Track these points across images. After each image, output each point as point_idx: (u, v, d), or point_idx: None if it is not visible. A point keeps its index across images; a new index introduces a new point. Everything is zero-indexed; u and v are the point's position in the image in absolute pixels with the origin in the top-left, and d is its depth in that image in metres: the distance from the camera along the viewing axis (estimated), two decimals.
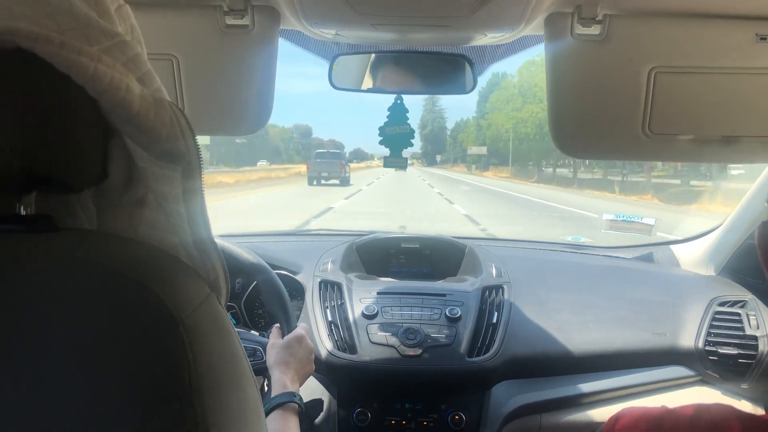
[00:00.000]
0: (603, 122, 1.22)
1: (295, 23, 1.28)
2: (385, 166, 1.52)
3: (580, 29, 1.17)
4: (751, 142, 1.20)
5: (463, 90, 1.49)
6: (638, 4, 1.15)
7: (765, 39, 1.15)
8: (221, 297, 0.60)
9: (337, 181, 27.98)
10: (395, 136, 1.47)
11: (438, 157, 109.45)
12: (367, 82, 1.50)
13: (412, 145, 1.50)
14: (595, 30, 1.17)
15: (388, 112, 1.48)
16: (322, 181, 28.08)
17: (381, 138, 1.47)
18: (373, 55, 1.48)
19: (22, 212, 0.58)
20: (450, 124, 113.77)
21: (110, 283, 0.47)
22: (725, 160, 1.28)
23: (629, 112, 1.20)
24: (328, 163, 28.59)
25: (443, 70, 1.48)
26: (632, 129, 1.21)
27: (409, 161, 1.56)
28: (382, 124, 1.47)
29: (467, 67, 1.44)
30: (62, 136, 0.55)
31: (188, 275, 0.56)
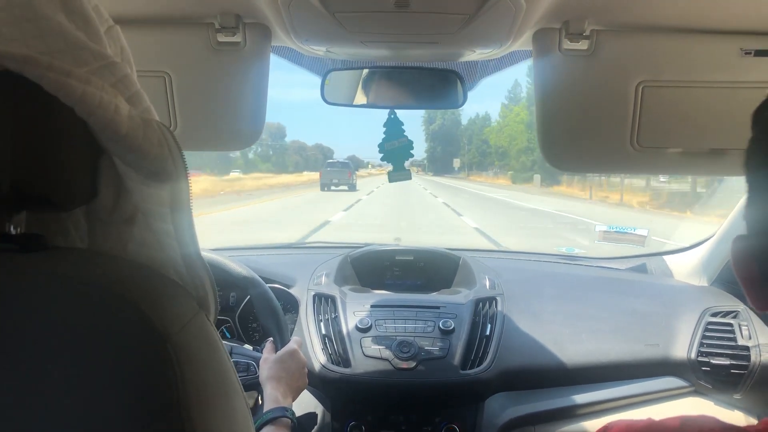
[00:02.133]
0: (592, 136, 1.24)
1: (286, 40, 1.30)
2: (390, 180, 1.54)
3: (568, 44, 1.19)
4: (737, 154, 1.21)
5: (455, 104, 1.51)
6: (625, 20, 1.17)
7: (749, 53, 1.16)
8: (210, 314, 0.61)
9: (345, 187, 31.68)
10: (395, 150, 1.48)
11: (456, 162, 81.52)
12: (359, 98, 1.51)
13: (412, 156, 1.52)
14: (582, 45, 1.19)
15: (384, 128, 1.49)
16: (332, 187, 31.65)
17: (382, 154, 1.49)
18: (364, 71, 1.50)
19: (13, 231, 0.59)
20: (463, 120, 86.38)
21: (99, 301, 0.48)
22: (713, 173, 1.29)
23: (618, 126, 1.22)
24: (338, 172, 32.66)
25: (434, 85, 1.50)
26: (621, 142, 1.23)
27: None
28: (380, 141, 1.49)
29: (458, 81, 1.46)
30: (52, 155, 0.55)
31: (177, 293, 0.56)
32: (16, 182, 0.53)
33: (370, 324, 1.72)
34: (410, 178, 1.56)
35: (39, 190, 0.55)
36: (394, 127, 1.49)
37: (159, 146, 0.56)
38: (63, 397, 0.45)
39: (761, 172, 0.57)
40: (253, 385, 1.41)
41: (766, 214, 0.56)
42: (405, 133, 1.49)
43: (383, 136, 1.49)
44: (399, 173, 1.52)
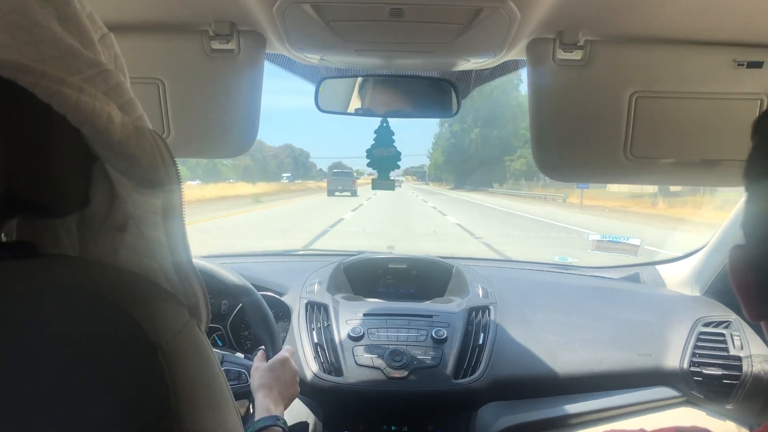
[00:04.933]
0: (585, 146, 1.24)
1: (280, 48, 1.30)
2: (374, 188, 1.55)
3: (561, 54, 1.19)
4: (730, 165, 1.23)
5: (448, 113, 1.52)
6: (619, 30, 1.18)
7: (742, 65, 1.17)
8: (201, 322, 0.60)
9: (348, 193, 35.36)
10: (382, 158, 1.49)
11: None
12: (353, 106, 1.52)
13: (398, 167, 1.53)
14: (576, 55, 1.19)
15: (375, 135, 1.50)
16: (336, 193, 35.66)
17: (368, 161, 1.50)
18: (358, 79, 1.50)
19: (3, 239, 0.58)
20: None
21: (90, 309, 0.48)
22: (705, 183, 1.30)
23: (611, 136, 1.22)
24: (343, 180, 36.80)
25: (428, 93, 1.50)
26: (614, 152, 1.23)
27: (401, 177, 1.59)
28: (369, 147, 1.50)
29: (452, 90, 1.46)
30: (45, 162, 0.55)
31: (168, 301, 0.56)
32: (9, 189, 0.53)
33: (362, 333, 1.72)
34: (393, 189, 1.57)
35: (32, 196, 0.55)
36: (384, 136, 1.49)
37: (151, 154, 0.55)
38: (53, 406, 0.44)
39: (760, 182, 0.57)
40: (244, 394, 1.40)
41: (763, 224, 0.56)
42: (394, 144, 1.50)
43: (372, 142, 1.50)
44: (383, 182, 1.54)
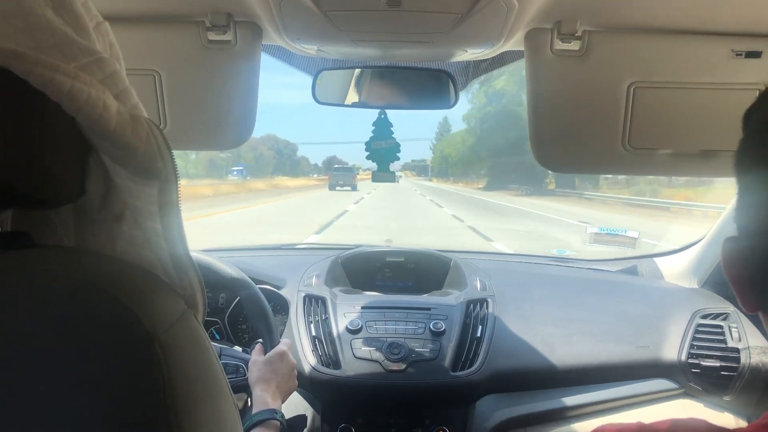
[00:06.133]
0: (583, 136, 1.24)
1: (277, 39, 1.29)
2: (374, 180, 1.55)
3: (559, 45, 1.19)
4: (728, 156, 1.22)
5: (446, 105, 1.51)
6: (617, 21, 1.17)
7: (740, 55, 1.17)
8: (198, 313, 0.60)
9: (349, 188, 37.35)
10: (381, 150, 1.49)
11: None
12: (351, 97, 1.51)
13: (398, 158, 1.52)
14: (574, 45, 1.19)
15: (373, 127, 1.49)
16: (337, 188, 37.63)
17: (368, 153, 1.49)
18: (356, 71, 1.50)
19: None
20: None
21: (86, 300, 0.47)
22: (704, 174, 1.30)
23: (609, 127, 1.22)
24: (343, 175, 39.06)
25: (426, 85, 1.50)
26: (612, 143, 1.23)
27: (399, 173, 1.59)
28: (367, 139, 1.49)
29: (449, 82, 1.46)
30: (39, 152, 0.54)
31: (165, 291, 0.56)
32: (2, 179, 0.52)
33: (360, 325, 1.72)
34: (394, 181, 1.57)
35: (26, 187, 0.54)
36: (382, 128, 1.49)
37: (147, 143, 0.55)
38: (46, 397, 0.44)
39: (750, 174, 0.57)
40: (242, 387, 1.40)
41: (755, 216, 0.56)
42: (393, 135, 1.49)
43: (371, 134, 1.50)
44: (383, 174, 1.53)
